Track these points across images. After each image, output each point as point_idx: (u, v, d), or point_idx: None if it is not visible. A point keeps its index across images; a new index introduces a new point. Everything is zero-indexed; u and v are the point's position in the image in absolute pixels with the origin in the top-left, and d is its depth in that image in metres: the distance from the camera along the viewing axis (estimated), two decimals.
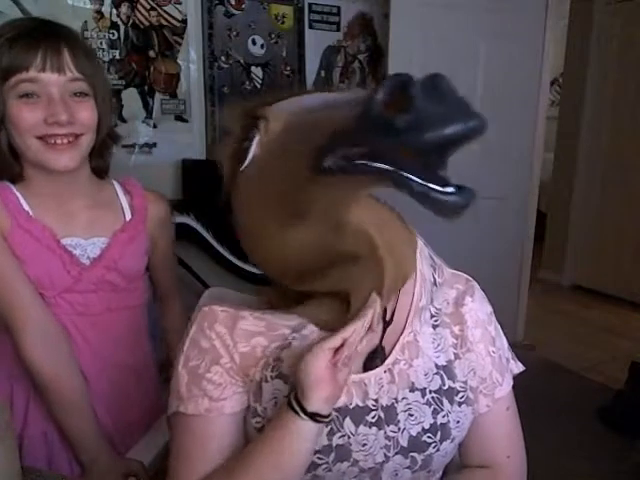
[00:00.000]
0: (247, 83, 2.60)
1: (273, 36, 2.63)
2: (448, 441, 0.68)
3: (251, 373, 0.67)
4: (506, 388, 0.75)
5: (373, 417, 0.66)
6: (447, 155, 0.46)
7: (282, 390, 0.65)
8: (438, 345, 0.71)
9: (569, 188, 3.87)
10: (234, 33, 2.53)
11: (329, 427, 0.64)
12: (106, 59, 2.21)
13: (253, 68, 2.60)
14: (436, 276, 0.74)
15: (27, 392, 0.98)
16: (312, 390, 0.58)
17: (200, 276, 2.31)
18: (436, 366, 0.70)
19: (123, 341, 1.03)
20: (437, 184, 0.45)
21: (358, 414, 0.66)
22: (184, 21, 2.39)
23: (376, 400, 0.67)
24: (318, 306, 0.67)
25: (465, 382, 0.71)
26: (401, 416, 0.67)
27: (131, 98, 2.32)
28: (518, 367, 0.79)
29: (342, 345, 0.59)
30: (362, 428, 0.65)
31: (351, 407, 0.66)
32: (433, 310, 0.73)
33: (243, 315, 0.69)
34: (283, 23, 2.65)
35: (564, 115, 3.90)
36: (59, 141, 0.89)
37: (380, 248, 0.59)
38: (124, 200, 1.04)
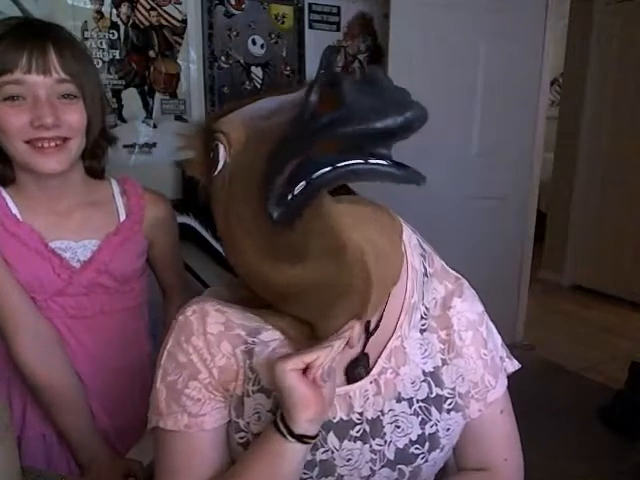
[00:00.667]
0: (247, 83, 2.60)
1: (273, 36, 2.63)
2: (437, 451, 0.66)
3: (231, 388, 0.65)
4: (499, 390, 0.72)
5: (358, 431, 0.64)
6: (389, 146, 0.46)
7: (264, 405, 0.63)
8: (425, 351, 0.68)
9: (569, 188, 3.87)
10: (234, 33, 2.52)
11: None
12: (106, 59, 2.21)
13: (253, 68, 2.60)
14: (426, 265, 0.71)
15: (24, 394, 0.98)
16: (297, 411, 0.55)
17: (200, 276, 2.30)
18: (423, 373, 0.67)
19: (119, 343, 1.03)
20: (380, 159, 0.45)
21: (342, 428, 0.64)
22: (184, 21, 2.39)
23: (361, 413, 0.64)
24: (289, 319, 0.64)
25: (453, 389, 0.68)
26: (387, 428, 0.64)
27: (131, 98, 2.31)
28: (514, 365, 0.76)
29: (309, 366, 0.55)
30: (346, 443, 0.63)
31: (335, 421, 0.64)
32: (423, 310, 0.69)
33: (207, 311, 0.66)
34: (283, 23, 2.64)
35: (564, 115, 3.90)
36: (46, 144, 0.87)
37: (374, 284, 0.53)
38: (120, 200, 1.03)
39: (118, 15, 2.24)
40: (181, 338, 0.65)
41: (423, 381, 0.67)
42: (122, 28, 2.25)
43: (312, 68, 2.75)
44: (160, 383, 0.66)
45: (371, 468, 0.64)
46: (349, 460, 0.64)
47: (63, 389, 0.95)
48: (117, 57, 2.26)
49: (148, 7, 2.29)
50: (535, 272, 3.52)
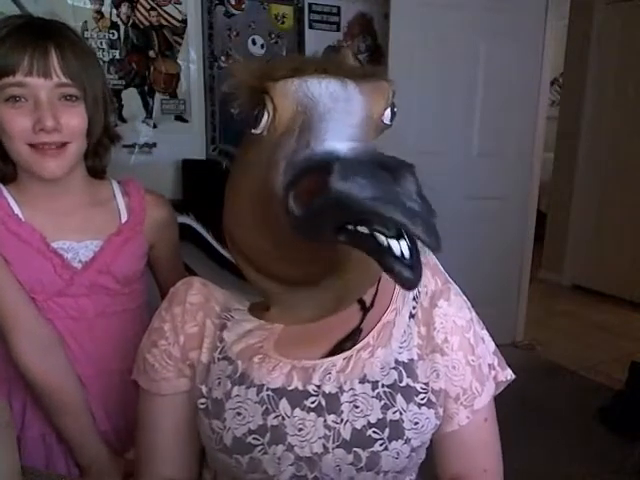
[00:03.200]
0: None
1: (273, 36, 2.63)
2: (400, 441, 0.64)
3: (194, 356, 0.70)
4: (485, 399, 0.70)
5: (312, 402, 0.64)
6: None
7: (224, 371, 0.67)
8: (405, 341, 0.68)
9: (569, 188, 3.87)
10: (234, 33, 2.53)
11: (264, 407, 0.64)
12: (106, 59, 2.22)
13: None
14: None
15: (24, 395, 0.98)
16: None
17: (200, 276, 2.30)
18: (395, 361, 0.66)
19: (119, 344, 1.02)
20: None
21: (296, 397, 0.64)
22: (184, 21, 2.39)
23: (319, 386, 0.64)
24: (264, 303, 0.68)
25: (427, 384, 0.67)
26: (345, 407, 0.64)
27: (131, 98, 2.32)
28: (505, 375, 0.73)
29: None
30: (298, 411, 0.64)
31: (289, 389, 0.64)
32: (415, 292, 0.70)
33: (193, 284, 0.74)
34: (283, 23, 2.65)
35: (564, 115, 3.90)
36: (46, 147, 0.87)
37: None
38: (121, 201, 1.02)
39: (118, 15, 2.24)
40: (165, 305, 0.73)
41: (393, 368, 0.66)
42: (122, 28, 2.25)
43: None
44: (144, 340, 0.74)
45: (324, 445, 0.63)
46: (300, 430, 0.63)
47: (63, 390, 0.94)
48: (117, 57, 2.26)
49: (148, 7, 2.29)
50: (535, 272, 3.52)
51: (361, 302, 0.68)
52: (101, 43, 2.21)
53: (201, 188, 2.42)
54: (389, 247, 0.43)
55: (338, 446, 0.63)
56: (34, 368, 0.92)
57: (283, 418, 0.64)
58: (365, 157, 0.45)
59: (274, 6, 2.61)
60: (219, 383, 0.67)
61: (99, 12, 2.19)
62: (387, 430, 0.63)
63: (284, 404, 0.64)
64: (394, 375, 0.66)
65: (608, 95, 3.61)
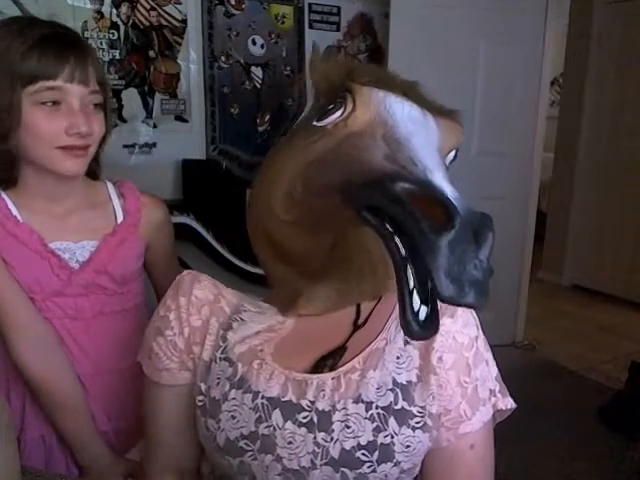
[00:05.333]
0: (247, 83, 2.60)
1: (273, 36, 2.63)
2: (389, 464, 0.62)
3: (197, 351, 0.70)
4: (475, 424, 0.65)
5: (305, 417, 0.63)
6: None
7: (225, 372, 0.67)
8: (403, 363, 0.65)
9: (569, 188, 3.87)
10: (234, 33, 2.53)
11: (258, 414, 0.64)
12: (106, 59, 2.22)
13: (253, 68, 2.60)
14: None
15: (23, 395, 0.98)
16: None
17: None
18: (394, 382, 0.64)
19: (118, 344, 1.03)
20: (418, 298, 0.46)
21: (289, 410, 0.64)
22: (184, 21, 2.39)
23: (312, 402, 0.64)
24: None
25: (424, 407, 0.64)
26: (336, 425, 0.62)
27: (131, 98, 2.32)
28: (506, 403, 0.68)
29: None
30: (290, 424, 0.63)
31: (283, 400, 0.64)
32: None
33: (201, 279, 0.72)
34: (283, 23, 2.65)
35: (564, 115, 3.90)
36: (75, 149, 0.90)
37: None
38: (117, 203, 1.03)
39: (118, 15, 2.24)
40: (170, 293, 0.73)
41: (390, 390, 0.64)
42: (122, 28, 2.25)
43: None
44: (148, 327, 0.74)
45: (312, 461, 0.62)
46: (290, 443, 0.63)
47: (62, 389, 0.95)
48: (117, 57, 2.26)
49: (148, 7, 2.30)
50: (535, 272, 3.52)
51: (357, 314, 0.68)
52: (101, 43, 2.21)
53: (201, 188, 2.42)
54: (412, 299, 0.46)
55: (326, 464, 0.62)
56: (33, 367, 0.93)
57: (274, 429, 0.63)
58: (466, 216, 0.44)
59: (274, 6, 2.61)
60: (218, 383, 0.67)
61: (99, 12, 2.19)
62: (377, 453, 0.62)
63: (277, 415, 0.64)
64: (390, 397, 0.63)
65: (608, 95, 3.61)
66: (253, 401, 0.65)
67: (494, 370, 0.69)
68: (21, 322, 0.92)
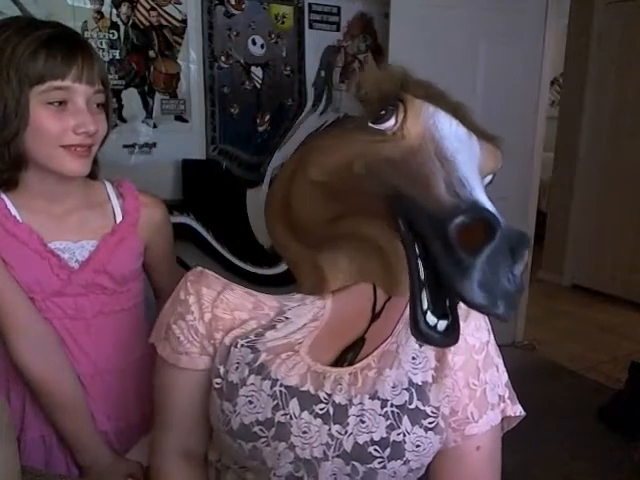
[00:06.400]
0: (247, 83, 2.60)
1: (273, 36, 2.63)
2: (399, 461, 0.63)
3: (217, 337, 0.70)
4: (482, 426, 0.67)
5: (321, 409, 0.64)
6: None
7: (245, 357, 0.68)
8: (419, 363, 0.67)
9: (569, 188, 3.87)
10: (234, 33, 2.52)
11: (275, 401, 0.65)
12: (106, 59, 2.21)
13: (253, 68, 2.60)
14: None
15: (23, 395, 0.98)
16: None
17: None
18: (409, 382, 0.66)
19: (118, 344, 1.03)
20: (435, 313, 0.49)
21: (307, 400, 0.65)
22: (184, 21, 2.39)
23: (329, 395, 0.65)
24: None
25: (438, 408, 0.65)
26: (351, 419, 0.64)
27: (131, 98, 2.31)
28: (515, 410, 0.70)
29: None
30: (306, 414, 0.64)
31: (301, 389, 0.65)
32: None
33: (233, 288, 0.73)
34: (283, 23, 2.64)
35: (564, 115, 3.90)
36: (79, 149, 0.90)
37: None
38: (116, 202, 1.03)
39: (118, 15, 2.24)
40: (191, 278, 0.73)
41: (406, 389, 0.65)
42: (122, 28, 2.25)
43: (312, 68, 2.76)
44: (166, 307, 0.75)
45: (325, 452, 0.64)
46: (305, 433, 0.64)
47: (62, 390, 0.95)
48: (117, 57, 2.26)
49: (148, 7, 2.29)
50: (535, 272, 3.52)
51: (374, 302, 0.70)
52: (101, 43, 2.20)
53: (201, 188, 2.42)
54: (426, 319, 0.49)
55: (338, 456, 0.63)
56: (33, 368, 0.93)
57: (291, 417, 0.64)
58: (506, 231, 0.48)
59: (274, 6, 2.61)
60: (237, 367, 0.68)
61: (99, 12, 2.19)
62: (388, 450, 0.63)
63: (294, 404, 0.65)
64: (405, 396, 0.65)
65: (608, 95, 3.61)
66: (272, 388, 0.66)
67: (504, 376, 0.70)
68: (21, 322, 0.92)
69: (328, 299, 0.72)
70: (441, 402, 0.66)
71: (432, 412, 0.65)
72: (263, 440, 0.65)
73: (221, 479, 0.76)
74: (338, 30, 2.80)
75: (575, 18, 3.72)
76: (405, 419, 0.64)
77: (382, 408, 0.64)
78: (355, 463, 0.63)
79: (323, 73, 2.79)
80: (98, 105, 0.92)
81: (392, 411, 0.64)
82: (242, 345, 0.69)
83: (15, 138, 0.87)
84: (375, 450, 0.63)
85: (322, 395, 0.65)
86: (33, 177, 0.93)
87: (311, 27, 2.72)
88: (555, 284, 3.98)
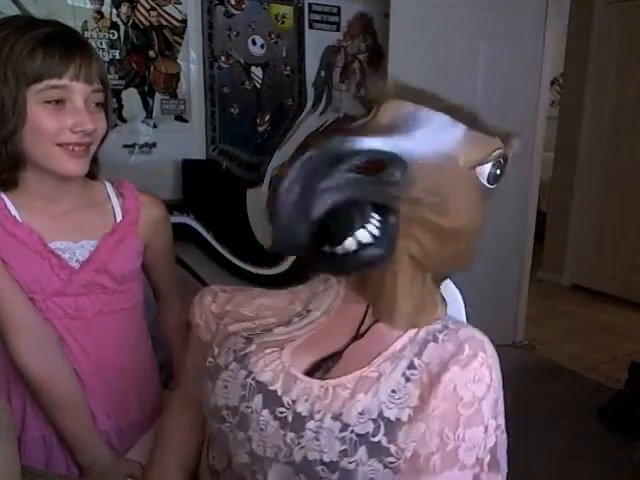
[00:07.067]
0: (247, 83, 2.60)
1: (273, 36, 2.63)
2: None
3: (222, 321, 0.78)
4: None
5: (282, 413, 0.64)
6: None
7: (236, 344, 0.72)
8: (398, 398, 0.62)
9: (569, 188, 3.87)
10: (234, 33, 2.52)
11: (243, 392, 0.67)
12: (106, 59, 2.21)
13: (253, 68, 2.60)
14: (441, 336, 0.67)
15: (24, 395, 0.98)
16: None
17: (200, 276, 2.31)
18: (380, 414, 0.61)
19: (118, 343, 1.03)
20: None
21: (271, 399, 0.65)
22: (184, 21, 2.39)
23: (293, 402, 0.64)
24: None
25: (403, 450, 0.59)
26: (307, 433, 0.61)
27: (131, 98, 2.31)
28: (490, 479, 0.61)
29: None
30: (266, 413, 0.64)
31: (269, 388, 0.66)
32: (417, 362, 0.64)
33: (273, 294, 0.81)
34: (283, 23, 2.64)
35: (564, 115, 3.90)
36: (77, 148, 0.90)
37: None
38: (116, 202, 1.03)
39: (118, 15, 2.24)
40: (219, 288, 0.84)
41: (373, 420, 0.60)
42: (122, 28, 2.25)
43: (312, 68, 2.76)
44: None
45: (276, 454, 0.63)
46: (262, 430, 0.64)
47: (62, 390, 0.95)
48: (117, 57, 2.26)
49: (148, 7, 2.29)
50: (535, 272, 3.52)
51: (362, 320, 0.69)
52: (101, 43, 2.20)
53: (201, 188, 2.42)
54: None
55: (287, 463, 0.62)
56: (34, 368, 0.93)
57: (252, 411, 0.65)
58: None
59: (274, 6, 2.61)
60: (227, 352, 0.72)
61: (99, 12, 2.19)
62: (337, 474, 0.59)
63: (258, 399, 0.66)
64: (369, 427, 0.60)
65: (608, 95, 3.61)
66: (245, 379, 0.68)
67: (492, 440, 0.61)
68: (20, 322, 0.92)
69: (341, 287, 0.73)
70: (408, 446, 0.60)
71: (396, 452, 0.59)
72: (227, 425, 0.67)
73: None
74: (338, 30, 2.80)
75: (575, 18, 3.72)
76: (362, 449, 0.59)
77: (341, 432, 0.60)
78: (302, 476, 0.61)
79: (323, 73, 2.79)
80: (97, 104, 0.92)
81: (350, 437, 0.60)
82: (241, 336, 0.73)
83: (12, 137, 0.87)
84: (322, 471, 0.60)
85: (286, 400, 0.64)
86: (32, 177, 0.93)
87: (311, 27, 2.72)
88: (555, 284, 3.98)
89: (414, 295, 0.66)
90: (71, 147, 0.89)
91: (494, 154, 0.64)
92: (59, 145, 0.88)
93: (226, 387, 0.69)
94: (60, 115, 0.87)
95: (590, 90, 3.68)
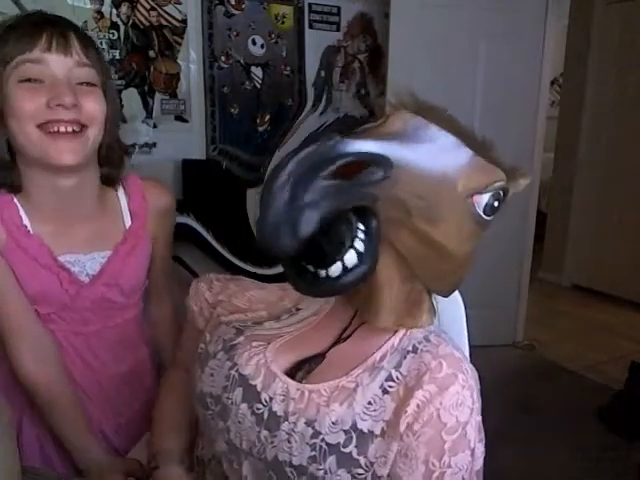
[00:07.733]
0: (247, 83, 2.60)
1: (273, 36, 2.63)
2: None
3: (219, 311, 0.79)
4: None
5: (258, 409, 0.65)
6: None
7: (226, 334, 0.74)
8: (374, 410, 0.61)
9: (569, 188, 3.87)
10: (234, 33, 2.53)
11: (226, 383, 0.68)
12: (106, 59, 2.21)
13: (253, 68, 2.60)
14: (420, 346, 0.65)
15: (22, 396, 0.97)
16: None
17: (200, 276, 2.30)
18: (353, 425, 0.60)
19: (120, 350, 1.02)
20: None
21: (250, 394, 0.66)
22: (184, 21, 2.39)
23: (270, 399, 0.65)
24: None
25: (372, 464, 0.59)
26: (281, 434, 0.62)
27: (131, 98, 2.32)
28: None
29: None
30: (245, 407, 0.66)
31: (250, 382, 0.67)
32: (395, 374, 0.63)
33: (264, 286, 0.83)
34: (283, 23, 2.65)
35: (564, 115, 3.90)
36: (62, 129, 0.81)
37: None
38: (125, 205, 0.99)
39: (118, 15, 2.24)
40: (220, 276, 0.88)
41: (345, 431, 0.60)
42: (122, 28, 2.25)
43: (312, 68, 2.76)
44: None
45: (251, 449, 0.64)
46: (239, 422, 0.66)
47: (58, 392, 0.93)
48: (117, 57, 2.26)
49: (148, 7, 2.30)
50: (535, 272, 3.52)
51: (349, 323, 0.67)
52: (101, 43, 2.20)
53: (201, 188, 2.43)
54: None
55: (260, 459, 0.63)
56: (35, 378, 0.92)
57: (232, 403, 0.67)
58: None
59: (274, 6, 2.61)
60: (217, 340, 0.74)
61: (99, 12, 2.19)
62: (304, 478, 0.59)
63: (238, 392, 0.67)
64: (341, 437, 0.59)
65: (608, 95, 3.61)
66: (229, 370, 0.69)
67: (479, 463, 0.61)
68: (25, 334, 0.91)
69: None
70: (378, 460, 0.59)
71: (365, 465, 0.59)
72: (210, 413, 0.69)
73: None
74: (338, 30, 2.80)
75: (575, 18, 3.72)
76: (332, 459, 0.59)
77: (312, 438, 0.60)
78: (272, 474, 0.62)
79: (323, 73, 2.79)
80: (88, 84, 0.84)
81: (320, 446, 0.59)
82: (233, 326, 0.74)
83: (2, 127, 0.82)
84: (291, 473, 0.60)
85: (264, 396, 0.65)
86: (41, 185, 0.89)
87: (311, 27, 2.72)
88: (555, 284, 3.98)
89: (399, 294, 0.62)
90: (55, 127, 0.81)
91: (495, 185, 0.62)
92: (40, 127, 0.81)
93: (212, 375, 0.70)
94: (36, 93, 0.80)
95: (590, 90, 3.68)
